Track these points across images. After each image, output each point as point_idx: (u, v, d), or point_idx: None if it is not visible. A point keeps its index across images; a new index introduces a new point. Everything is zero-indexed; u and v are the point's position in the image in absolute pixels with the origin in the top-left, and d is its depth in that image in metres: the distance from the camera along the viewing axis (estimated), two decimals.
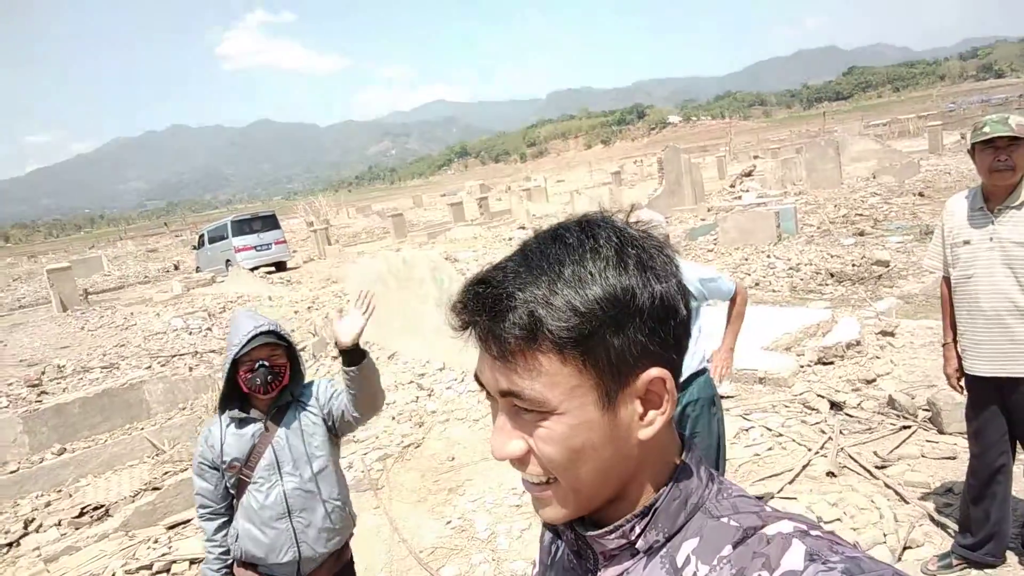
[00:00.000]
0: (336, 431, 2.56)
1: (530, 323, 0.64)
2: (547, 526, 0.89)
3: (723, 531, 0.67)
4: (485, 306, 0.66)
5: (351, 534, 2.66)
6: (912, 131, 41.76)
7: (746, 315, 3.40)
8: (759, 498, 0.74)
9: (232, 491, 2.47)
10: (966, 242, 2.87)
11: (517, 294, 0.65)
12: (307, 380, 2.62)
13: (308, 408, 2.49)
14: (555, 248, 0.68)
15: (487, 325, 0.66)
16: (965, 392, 3.03)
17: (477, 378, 0.72)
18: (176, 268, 27.59)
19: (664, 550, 0.70)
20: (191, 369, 8.70)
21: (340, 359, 2.35)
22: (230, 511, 2.49)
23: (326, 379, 2.62)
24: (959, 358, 3.00)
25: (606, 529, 0.72)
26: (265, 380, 2.34)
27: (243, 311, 2.51)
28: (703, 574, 0.66)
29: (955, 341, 3.03)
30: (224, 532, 2.47)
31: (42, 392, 8.35)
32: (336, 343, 2.34)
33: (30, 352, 12.23)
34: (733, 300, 3.30)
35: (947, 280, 3.04)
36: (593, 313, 0.64)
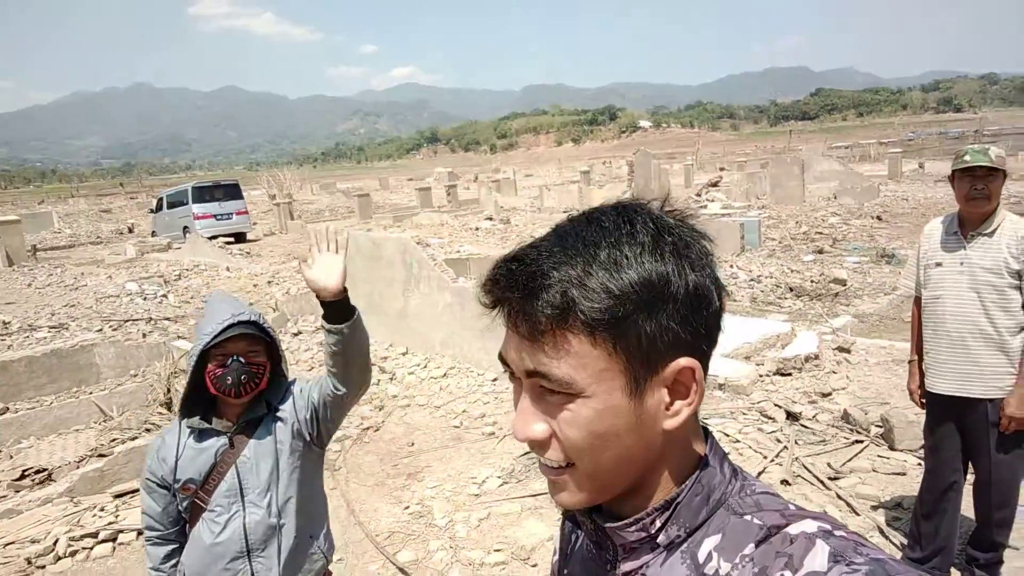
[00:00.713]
0: (320, 438, 2.13)
1: (563, 302, 0.63)
2: (567, 516, 0.89)
3: (746, 529, 0.66)
4: (518, 283, 0.65)
5: (327, 572, 2.22)
6: (873, 156, 42.96)
7: None
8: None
9: (184, 515, 2.05)
10: (938, 264, 2.98)
11: (552, 273, 0.64)
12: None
13: (283, 420, 2.06)
14: (591, 230, 0.67)
15: (519, 303, 0.65)
16: (924, 408, 3.15)
17: (502, 358, 0.71)
18: (130, 231, 26.80)
19: (685, 545, 0.69)
20: (144, 335, 8.48)
21: (323, 318, 1.96)
22: (182, 536, 2.07)
23: (300, 381, 2.16)
24: (922, 375, 3.12)
25: (626, 522, 0.71)
26: (238, 380, 1.91)
27: (220, 293, 2.11)
28: (725, 572, 0.65)
29: (920, 359, 3.14)
30: (174, 561, 2.05)
31: None
32: (318, 295, 1.94)
33: None
34: None
35: (918, 301, 3.15)
36: (627, 296, 0.64)
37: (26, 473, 5.29)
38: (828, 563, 0.58)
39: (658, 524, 0.70)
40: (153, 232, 23.47)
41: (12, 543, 4.07)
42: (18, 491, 4.97)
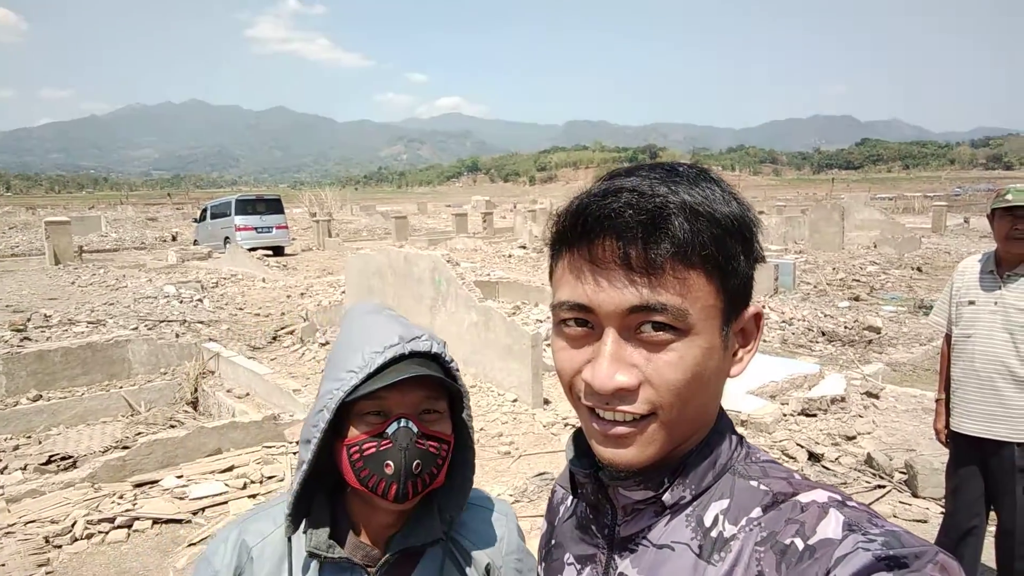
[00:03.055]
0: None
1: (689, 232, 0.61)
2: (565, 483, 0.85)
3: (752, 494, 0.66)
4: (643, 211, 0.62)
5: None
6: (917, 209, 42.25)
7: None
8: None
9: None
10: (971, 302, 2.93)
11: (672, 199, 0.62)
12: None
13: (463, 561, 1.15)
14: (674, 173, 0.66)
15: (640, 232, 0.62)
16: (949, 447, 3.08)
17: (571, 305, 0.66)
18: (174, 239, 27.53)
19: (690, 508, 0.68)
20: (177, 336, 8.66)
21: None
22: None
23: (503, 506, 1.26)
24: (948, 414, 3.05)
25: (633, 480, 0.69)
26: (408, 467, 1.02)
27: (373, 307, 1.15)
28: (730, 534, 0.64)
29: (947, 398, 3.08)
30: None
31: (25, 338, 8.29)
32: None
33: (17, 299, 12.16)
34: None
35: (948, 338, 3.10)
36: (733, 229, 0.64)
37: (52, 458, 5.42)
38: (842, 531, 0.56)
39: (666, 483, 0.69)
40: (195, 241, 24.07)
41: (33, 522, 4.18)
42: (43, 474, 5.09)
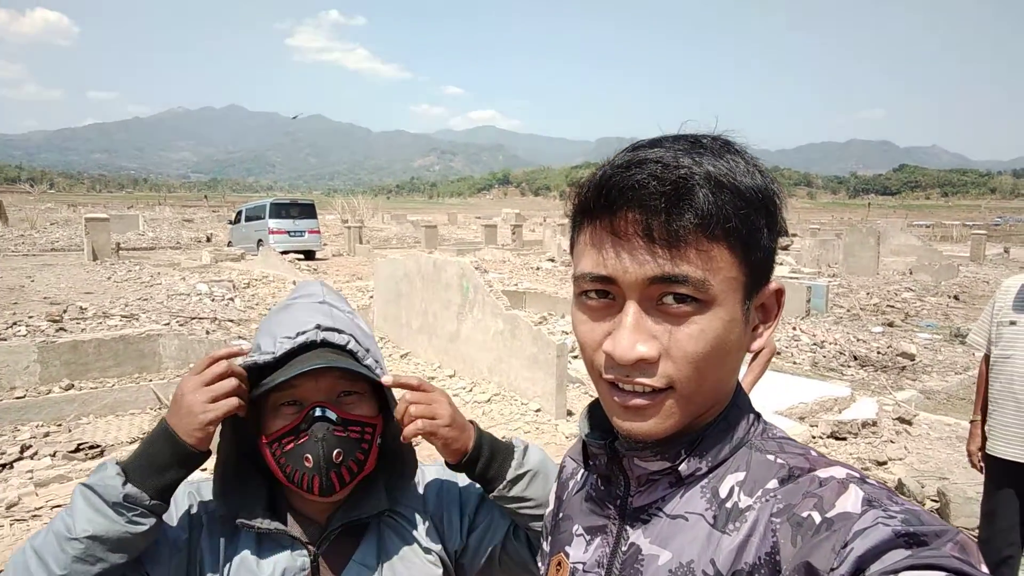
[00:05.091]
0: None
1: (712, 204, 0.61)
2: (576, 455, 0.87)
3: (769, 467, 0.66)
4: (664, 182, 0.61)
5: None
6: (955, 237, 41.43)
7: (764, 379, 3.38)
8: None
9: None
10: (1012, 323, 2.85)
11: (696, 171, 0.62)
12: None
13: (412, 531, 1.14)
14: (698, 145, 0.65)
15: (664, 203, 0.61)
16: (984, 472, 2.98)
17: (593, 276, 0.66)
18: (208, 240, 28.01)
19: (705, 480, 0.69)
20: (208, 333, 8.78)
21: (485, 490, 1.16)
22: None
23: (444, 472, 1.23)
24: (984, 437, 2.95)
25: (650, 450, 0.69)
26: (328, 459, 1.00)
27: (311, 290, 1.12)
28: (745, 505, 0.64)
29: (983, 420, 2.99)
30: None
31: (60, 328, 8.47)
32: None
33: (55, 292, 12.45)
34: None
35: (987, 358, 3.01)
36: (757, 202, 0.64)
37: (81, 447, 5.51)
38: (862, 506, 0.56)
39: (682, 455, 0.69)
40: (229, 243, 24.47)
41: (60, 506, 4.25)
42: (71, 461, 5.18)
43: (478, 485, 1.17)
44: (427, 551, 1.13)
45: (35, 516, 4.35)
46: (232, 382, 0.96)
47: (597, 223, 0.66)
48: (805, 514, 0.59)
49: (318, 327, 1.02)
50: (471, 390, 6.95)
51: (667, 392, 0.65)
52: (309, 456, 0.99)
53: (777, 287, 0.69)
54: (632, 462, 0.71)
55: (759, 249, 0.64)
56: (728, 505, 0.65)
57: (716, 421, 0.69)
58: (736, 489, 0.66)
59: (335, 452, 0.99)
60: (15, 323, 8.62)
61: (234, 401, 0.96)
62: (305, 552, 1.05)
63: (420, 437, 1.05)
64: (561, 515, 0.85)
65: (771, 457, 0.67)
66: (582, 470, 0.85)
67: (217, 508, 1.05)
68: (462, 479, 1.21)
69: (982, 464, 2.98)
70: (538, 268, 19.23)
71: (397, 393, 1.07)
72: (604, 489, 0.77)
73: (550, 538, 0.86)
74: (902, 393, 7.72)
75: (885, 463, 5.14)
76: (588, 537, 0.77)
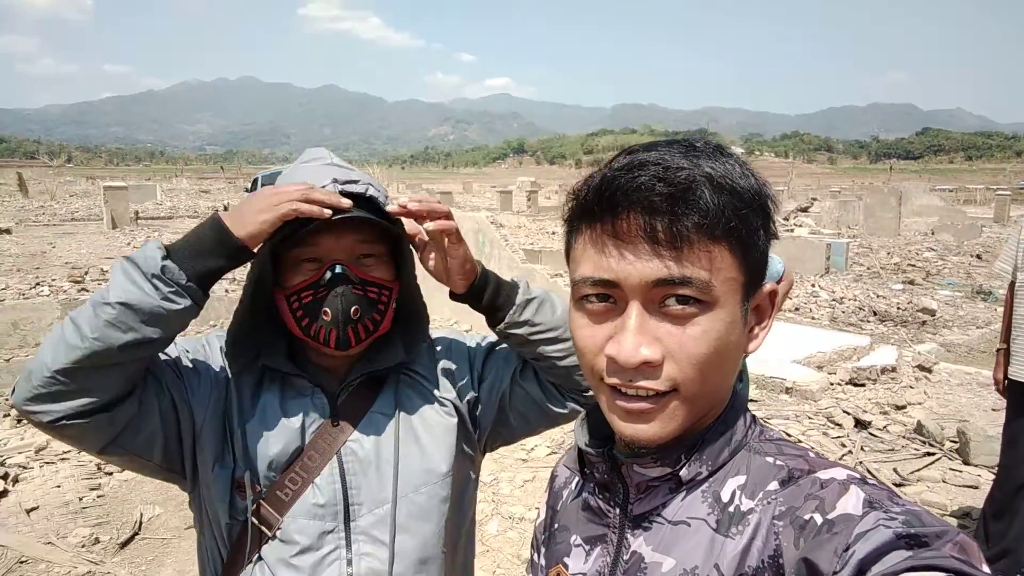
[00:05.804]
0: (488, 439, 1.27)
1: (714, 206, 0.61)
2: (571, 464, 0.86)
3: (768, 470, 0.66)
4: (668, 183, 0.61)
5: None
6: (979, 201, 40.67)
7: (782, 330, 3.34)
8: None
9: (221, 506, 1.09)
10: None
11: (697, 173, 0.62)
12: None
13: (427, 385, 1.19)
14: (693, 149, 0.65)
15: (666, 205, 0.61)
16: (1007, 398, 2.95)
17: (595, 280, 0.65)
18: (225, 209, 28.02)
19: (706, 484, 0.68)
20: (227, 291, 8.88)
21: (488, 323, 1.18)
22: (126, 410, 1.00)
23: (449, 332, 1.31)
24: (1008, 364, 2.93)
25: (650, 456, 0.69)
26: (347, 314, 1.03)
27: (318, 155, 1.15)
28: (747, 508, 0.64)
29: (1009, 347, 2.95)
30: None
31: (82, 289, 8.60)
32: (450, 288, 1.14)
33: (76, 257, 12.63)
34: (777, 282, 3.25)
35: (1012, 286, 2.98)
36: (754, 203, 0.64)
37: None
38: (863, 508, 0.56)
39: (682, 460, 0.69)
40: None
41: None
42: None
43: (483, 343, 1.26)
44: (442, 403, 1.19)
45: (63, 459, 4.46)
46: (301, 187, 0.99)
47: (598, 226, 0.65)
48: (807, 516, 0.59)
49: (335, 180, 1.04)
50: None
51: (670, 395, 0.64)
52: (328, 310, 1.03)
53: (770, 288, 0.69)
54: (631, 469, 0.71)
55: (756, 250, 0.65)
56: (730, 509, 0.66)
57: (714, 424, 0.70)
58: (738, 492, 0.66)
59: (353, 308, 1.04)
60: (38, 283, 8.76)
61: (295, 205, 0.97)
62: (325, 401, 1.11)
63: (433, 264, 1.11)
64: (556, 526, 0.84)
65: (770, 459, 0.67)
66: (576, 479, 0.84)
67: (240, 354, 1.09)
68: (468, 339, 1.28)
69: (1007, 390, 2.96)
70: (554, 233, 19.16)
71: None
72: (602, 497, 0.77)
73: (543, 549, 0.85)
74: (922, 346, 7.67)
75: (904, 407, 5.12)
76: (587, 547, 0.77)
